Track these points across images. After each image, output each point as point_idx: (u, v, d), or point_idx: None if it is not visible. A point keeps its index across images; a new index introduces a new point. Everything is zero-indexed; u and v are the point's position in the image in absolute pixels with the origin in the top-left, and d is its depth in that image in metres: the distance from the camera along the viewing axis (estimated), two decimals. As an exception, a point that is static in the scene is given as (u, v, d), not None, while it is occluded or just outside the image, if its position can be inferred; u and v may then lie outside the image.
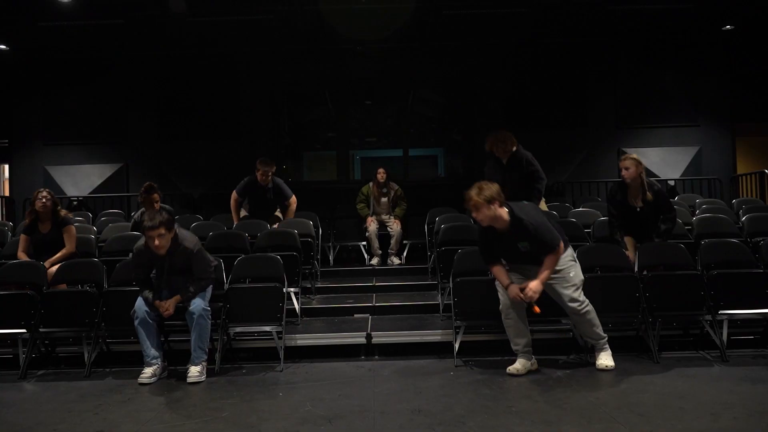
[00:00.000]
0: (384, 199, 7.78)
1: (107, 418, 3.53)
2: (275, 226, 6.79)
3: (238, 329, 4.75)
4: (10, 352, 4.82)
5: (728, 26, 9.54)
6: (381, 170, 7.79)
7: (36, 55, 9.89)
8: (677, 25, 9.41)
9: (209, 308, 4.42)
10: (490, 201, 4.06)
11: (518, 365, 4.25)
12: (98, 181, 10.08)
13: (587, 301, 4.28)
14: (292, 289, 5.39)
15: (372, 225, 7.62)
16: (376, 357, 4.83)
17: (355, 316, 5.67)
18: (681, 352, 4.68)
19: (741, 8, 8.78)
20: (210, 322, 4.42)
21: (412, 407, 3.55)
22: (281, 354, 4.60)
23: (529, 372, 4.24)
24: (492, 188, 4.11)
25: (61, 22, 8.44)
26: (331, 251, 7.97)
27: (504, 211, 4.14)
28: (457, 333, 4.62)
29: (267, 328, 4.68)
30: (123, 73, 10.16)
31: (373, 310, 5.73)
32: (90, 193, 9.92)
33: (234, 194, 6.84)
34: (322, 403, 3.67)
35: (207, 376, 4.31)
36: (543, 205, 6.17)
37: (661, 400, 3.57)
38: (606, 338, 4.35)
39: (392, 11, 8.24)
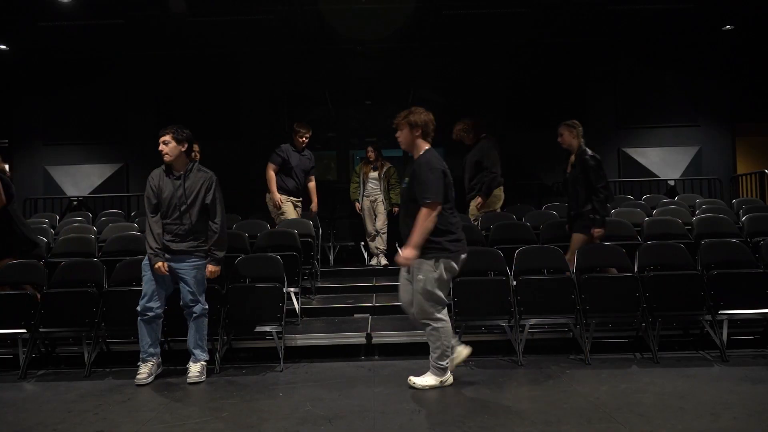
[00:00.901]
0: (374, 174, 7.65)
1: (107, 418, 3.53)
2: (313, 207, 6.90)
3: (238, 329, 4.74)
4: (10, 352, 4.82)
5: (728, 26, 9.53)
6: (370, 148, 7.80)
7: (36, 55, 9.88)
8: (677, 25, 9.41)
9: (207, 305, 4.41)
10: (412, 126, 3.92)
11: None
12: (98, 181, 10.08)
13: (442, 320, 3.89)
14: (292, 289, 5.38)
15: (366, 203, 7.62)
16: (376, 357, 4.83)
17: (355, 316, 5.67)
18: (681, 352, 4.68)
19: (741, 8, 8.78)
20: (207, 319, 4.42)
21: (412, 407, 3.55)
22: (281, 354, 4.60)
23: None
24: (426, 117, 3.94)
25: (61, 22, 8.43)
26: (331, 251, 7.97)
27: (422, 145, 3.97)
28: (457, 333, 4.62)
29: (267, 328, 4.68)
30: (123, 73, 10.16)
31: (373, 310, 5.73)
32: (90, 193, 9.92)
33: (271, 166, 6.70)
34: (322, 403, 3.67)
35: (207, 376, 4.31)
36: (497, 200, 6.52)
37: (661, 400, 3.57)
38: (441, 367, 3.92)
39: (392, 11, 8.24)
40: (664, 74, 10.22)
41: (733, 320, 4.67)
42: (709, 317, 4.57)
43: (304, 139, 6.75)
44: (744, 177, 9.72)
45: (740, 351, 4.65)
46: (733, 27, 9.53)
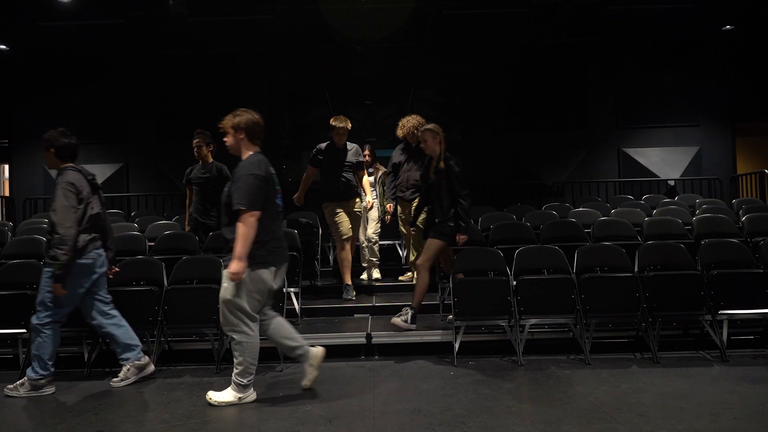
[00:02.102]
0: (368, 179, 6.92)
1: (107, 418, 3.53)
2: (367, 201, 6.27)
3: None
4: (10, 352, 4.82)
5: (728, 26, 9.54)
6: (366, 150, 7.09)
7: (36, 55, 9.90)
8: (677, 25, 9.42)
9: (43, 319, 4.01)
10: (236, 129, 3.75)
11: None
12: (98, 181, 10.07)
13: (248, 334, 3.68)
14: (292, 289, 5.38)
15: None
16: (376, 357, 4.83)
17: (355, 316, 5.67)
18: (681, 352, 4.68)
19: (741, 8, 8.79)
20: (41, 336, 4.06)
21: (412, 407, 3.55)
22: (281, 354, 4.60)
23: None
24: (251, 118, 3.76)
25: (61, 22, 8.44)
26: (331, 251, 7.97)
27: (247, 149, 3.79)
28: (457, 333, 4.62)
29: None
30: (123, 73, 10.17)
31: (373, 310, 5.73)
32: (90, 193, 9.91)
33: (308, 168, 6.18)
34: (322, 403, 3.67)
35: (207, 377, 4.31)
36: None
37: (661, 400, 3.57)
38: (241, 383, 3.70)
39: (392, 11, 8.25)
40: (664, 74, 10.23)
41: (733, 320, 4.66)
42: (709, 317, 4.57)
43: (340, 134, 5.97)
44: (744, 177, 9.73)
45: (740, 351, 4.65)
46: (733, 27, 9.54)
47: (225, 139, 3.82)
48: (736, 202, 7.59)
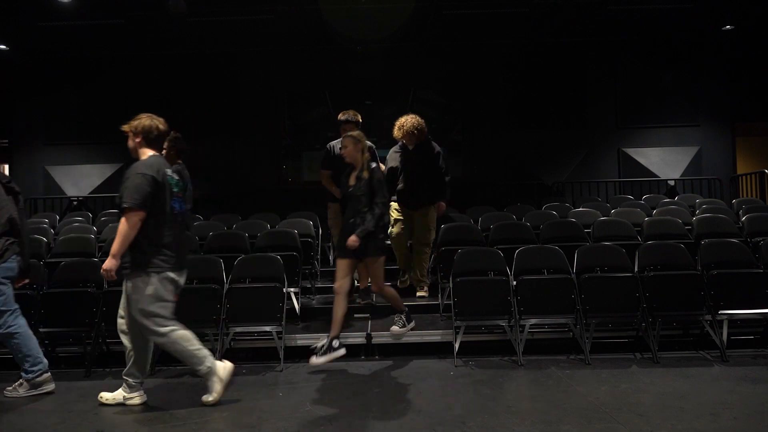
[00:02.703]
0: None
1: (107, 418, 3.53)
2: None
3: (238, 329, 4.74)
4: (10, 352, 4.81)
5: (728, 26, 9.54)
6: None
7: (36, 55, 9.90)
8: (677, 25, 9.42)
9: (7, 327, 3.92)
10: (134, 133, 3.74)
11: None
12: (98, 181, 10.09)
13: (170, 327, 3.62)
14: (292, 289, 5.38)
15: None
16: (376, 357, 4.83)
17: (355, 316, 5.67)
18: (681, 352, 4.68)
19: (741, 8, 8.79)
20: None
21: (412, 407, 3.55)
22: (281, 354, 4.60)
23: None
24: (148, 123, 3.72)
25: (61, 22, 8.45)
26: (331, 251, 7.96)
27: (145, 152, 3.75)
28: (457, 333, 4.62)
29: (267, 328, 4.68)
30: (123, 73, 10.17)
31: (373, 310, 5.72)
32: (90, 193, 9.93)
33: (323, 172, 5.70)
34: (322, 403, 3.67)
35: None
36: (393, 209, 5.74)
37: (661, 400, 3.57)
38: (205, 368, 3.68)
39: (392, 11, 8.25)
40: (664, 74, 10.23)
41: (733, 320, 4.66)
42: (709, 317, 4.57)
43: (347, 130, 5.26)
44: (744, 177, 9.73)
45: (740, 351, 4.65)
46: (733, 27, 9.54)
47: (128, 143, 3.81)
48: (736, 202, 7.59)
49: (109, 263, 3.49)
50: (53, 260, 5.63)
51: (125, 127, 3.77)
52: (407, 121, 5.70)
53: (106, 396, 3.75)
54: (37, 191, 9.99)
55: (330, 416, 3.43)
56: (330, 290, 6.32)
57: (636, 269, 4.98)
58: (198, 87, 10.11)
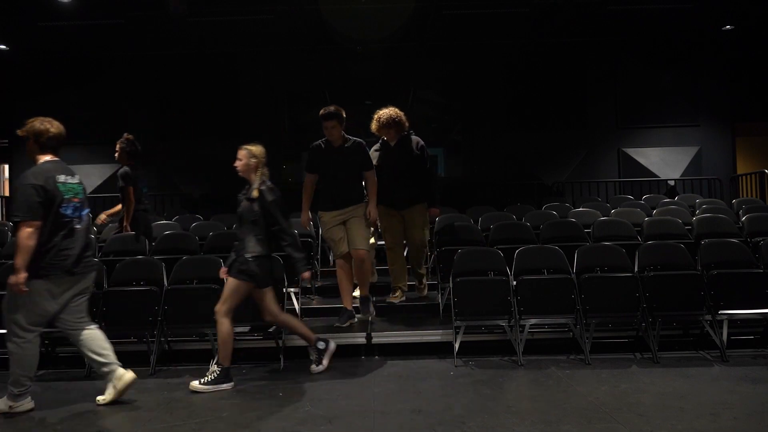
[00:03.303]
0: None
1: (107, 418, 3.53)
2: (370, 211, 5.10)
3: (238, 329, 4.73)
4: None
5: (728, 26, 9.55)
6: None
7: (36, 55, 9.91)
8: (677, 25, 9.43)
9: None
10: (26, 137, 3.85)
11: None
12: (98, 182, 10.10)
13: (20, 345, 3.55)
14: (292, 289, 5.37)
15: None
16: (376, 357, 4.83)
17: (390, 295, 5.69)
18: (681, 352, 4.68)
19: (741, 8, 8.79)
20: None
21: (412, 407, 3.55)
22: (281, 354, 4.60)
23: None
24: (41, 126, 3.79)
25: (61, 22, 8.45)
26: (331, 251, 7.96)
27: (38, 158, 3.78)
28: (457, 333, 4.62)
29: (268, 329, 4.68)
30: (123, 73, 10.17)
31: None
32: (90, 194, 9.91)
33: (307, 176, 5.21)
34: (322, 403, 3.67)
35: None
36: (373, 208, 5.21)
37: (661, 400, 3.57)
38: (14, 393, 3.58)
39: (392, 11, 8.25)
40: (664, 74, 10.24)
41: (733, 320, 4.66)
42: (709, 317, 4.57)
43: (329, 129, 4.97)
44: (744, 177, 9.73)
45: (740, 351, 4.65)
46: (733, 27, 9.55)
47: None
48: (736, 202, 7.59)
49: (12, 277, 3.46)
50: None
51: (19, 132, 3.82)
52: (384, 112, 5.42)
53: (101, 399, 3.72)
54: (37, 191, 9.97)
55: (330, 416, 3.43)
56: (330, 290, 6.36)
57: (636, 269, 4.98)
58: (198, 87, 10.12)
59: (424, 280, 5.99)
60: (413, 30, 9.18)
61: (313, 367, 4.35)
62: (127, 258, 5.20)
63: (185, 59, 10.05)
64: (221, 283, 4.87)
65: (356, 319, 5.15)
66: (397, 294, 5.70)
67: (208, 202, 9.68)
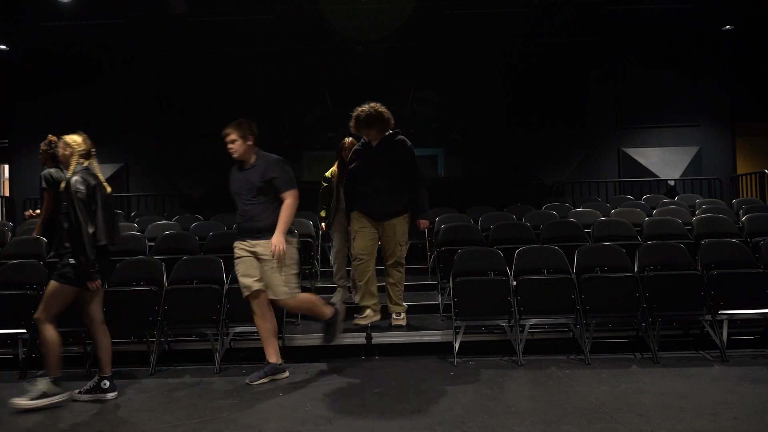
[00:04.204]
0: None
1: (107, 418, 3.53)
2: (273, 242, 4.05)
3: (239, 329, 4.74)
4: (10, 352, 4.81)
5: (728, 26, 9.55)
6: (348, 140, 5.46)
7: (36, 55, 9.90)
8: (677, 25, 9.43)
9: None
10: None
11: None
12: (98, 181, 10.09)
13: None
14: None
15: (336, 237, 5.55)
16: (376, 357, 4.83)
17: (355, 316, 5.66)
18: (681, 352, 4.68)
19: (741, 8, 8.79)
20: None
21: (412, 407, 3.55)
22: (281, 354, 4.60)
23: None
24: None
25: (61, 22, 8.45)
26: (331, 251, 7.96)
27: None
28: (457, 333, 4.62)
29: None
30: (123, 73, 10.18)
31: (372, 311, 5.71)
32: (90, 193, 9.92)
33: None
34: (322, 403, 3.67)
35: (207, 377, 4.31)
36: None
37: (661, 400, 3.57)
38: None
39: (392, 11, 8.25)
40: (664, 74, 10.25)
41: (733, 320, 4.66)
42: (709, 317, 4.57)
43: (230, 146, 4.19)
44: (744, 177, 9.73)
45: (740, 351, 4.65)
46: (733, 27, 9.55)
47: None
48: (736, 202, 7.59)
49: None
50: (53, 260, 5.60)
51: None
52: (364, 108, 4.80)
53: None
54: (37, 191, 9.95)
55: (330, 416, 3.43)
56: (331, 290, 6.35)
57: (636, 269, 4.98)
58: (198, 87, 10.12)
59: (403, 313, 5.10)
60: (413, 30, 9.18)
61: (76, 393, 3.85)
62: (127, 258, 5.19)
63: (185, 59, 10.05)
64: (221, 283, 4.88)
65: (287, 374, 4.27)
66: (366, 314, 4.93)
67: (208, 202, 9.68)
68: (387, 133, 4.89)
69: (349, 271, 5.49)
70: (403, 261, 5.04)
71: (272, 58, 10.18)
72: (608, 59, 10.27)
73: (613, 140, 10.30)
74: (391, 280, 5.05)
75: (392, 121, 4.86)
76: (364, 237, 4.89)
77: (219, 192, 9.63)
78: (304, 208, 7.58)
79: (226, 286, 4.86)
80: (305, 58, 10.14)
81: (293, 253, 4.19)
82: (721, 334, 4.53)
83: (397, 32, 8.99)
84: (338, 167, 5.55)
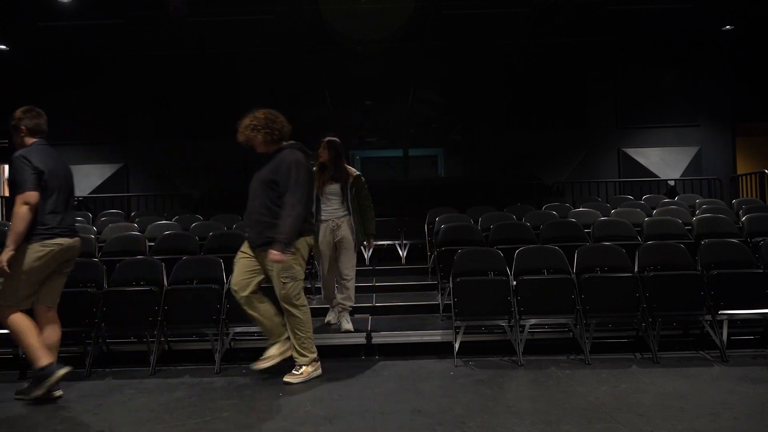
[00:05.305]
0: (334, 186, 5.01)
1: (107, 418, 3.52)
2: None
3: (238, 329, 4.74)
4: (10, 353, 4.81)
5: (728, 26, 9.55)
6: (324, 143, 5.05)
7: (36, 55, 9.90)
8: (677, 25, 9.43)
9: None
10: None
11: None
12: (98, 181, 10.10)
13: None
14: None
15: (324, 231, 4.99)
16: (376, 357, 4.83)
17: (355, 316, 5.67)
18: (681, 352, 4.68)
19: (741, 8, 8.80)
20: None
21: (412, 407, 3.55)
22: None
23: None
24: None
25: (61, 22, 8.45)
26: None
27: None
28: (457, 333, 4.62)
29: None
30: (123, 73, 10.18)
31: (373, 310, 5.72)
32: (90, 193, 9.93)
33: None
34: (322, 403, 3.67)
35: (207, 377, 4.31)
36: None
37: (661, 400, 3.57)
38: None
39: (392, 11, 8.26)
40: (664, 74, 10.25)
41: (733, 320, 4.66)
42: (709, 317, 4.57)
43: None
44: (744, 177, 9.74)
45: (740, 351, 4.65)
46: (733, 27, 9.55)
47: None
48: (736, 202, 7.60)
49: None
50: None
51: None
52: (246, 118, 4.21)
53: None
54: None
55: (330, 416, 3.43)
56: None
57: (636, 269, 4.98)
58: (198, 87, 10.12)
59: (304, 366, 4.12)
60: (413, 30, 9.18)
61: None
62: (127, 258, 5.19)
63: (185, 59, 10.06)
64: (221, 283, 4.88)
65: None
66: (271, 353, 4.10)
67: (208, 202, 9.68)
68: (279, 146, 4.13)
69: (337, 287, 5.22)
70: (296, 302, 4.08)
71: (272, 58, 10.18)
72: (608, 59, 10.27)
73: (613, 140, 10.31)
74: (288, 323, 4.14)
75: (283, 131, 4.13)
76: (239, 268, 4.09)
77: (219, 192, 9.66)
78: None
79: (226, 286, 4.86)
80: (305, 58, 10.14)
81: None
82: (721, 334, 4.53)
83: (397, 32, 9.00)
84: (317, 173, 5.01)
